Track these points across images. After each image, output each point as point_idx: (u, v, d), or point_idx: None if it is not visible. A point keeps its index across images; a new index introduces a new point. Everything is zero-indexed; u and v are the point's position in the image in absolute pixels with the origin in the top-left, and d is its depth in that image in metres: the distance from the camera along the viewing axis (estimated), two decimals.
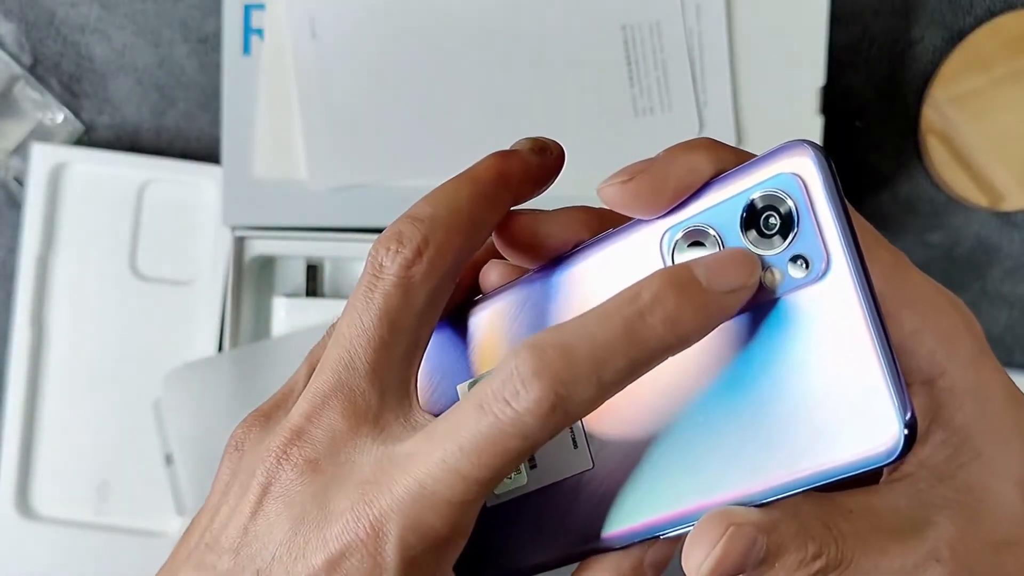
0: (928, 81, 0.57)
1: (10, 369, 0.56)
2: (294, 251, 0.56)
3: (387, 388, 0.24)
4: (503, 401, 0.21)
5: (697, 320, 0.22)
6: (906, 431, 0.21)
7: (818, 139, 0.53)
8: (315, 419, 0.24)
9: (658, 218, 0.24)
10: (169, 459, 0.56)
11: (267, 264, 0.57)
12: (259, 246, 0.55)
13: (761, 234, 0.23)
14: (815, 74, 0.53)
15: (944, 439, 0.25)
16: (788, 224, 0.23)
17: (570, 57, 0.54)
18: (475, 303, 0.27)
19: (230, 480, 0.25)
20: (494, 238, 0.26)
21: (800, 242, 0.22)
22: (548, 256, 0.26)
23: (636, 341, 0.21)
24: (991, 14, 0.57)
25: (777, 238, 0.23)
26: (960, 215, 0.59)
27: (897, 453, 0.21)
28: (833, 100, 0.56)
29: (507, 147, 0.27)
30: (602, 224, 0.26)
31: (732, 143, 0.53)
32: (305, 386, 0.25)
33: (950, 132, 0.57)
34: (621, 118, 0.54)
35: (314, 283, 0.57)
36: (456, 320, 0.27)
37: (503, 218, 0.26)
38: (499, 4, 0.53)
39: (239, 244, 0.55)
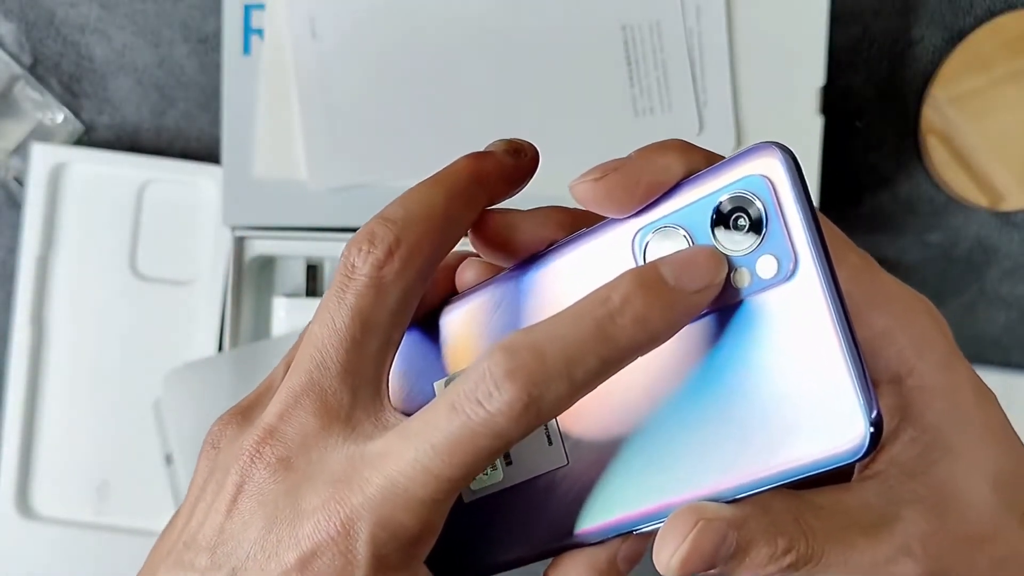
0: (928, 81, 0.57)
1: (10, 369, 0.57)
2: (294, 251, 0.56)
3: (359, 387, 0.24)
4: (476, 402, 0.21)
5: (666, 319, 0.22)
6: (872, 429, 0.21)
7: (818, 139, 0.53)
8: (287, 418, 0.24)
9: (630, 218, 0.25)
10: (169, 459, 0.56)
11: (267, 264, 0.57)
12: (259, 246, 0.55)
13: (731, 235, 0.23)
14: (815, 74, 0.53)
15: (914, 436, 0.25)
16: (757, 225, 0.23)
17: (570, 57, 0.54)
18: (450, 301, 0.27)
19: (207, 478, 0.26)
20: (469, 236, 0.26)
21: (768, 243, 0.23)
22: (522, 254, 0.26)
23: (607, 341, 0.22)
24: (991, 14, 0.57)
25: (746, 239, 0.23)
26: (960, 215, 0.59)
27: (863, 451, 0.21)
28: (833, 100, 0.56)
29: None
30: (576, 224, 0.26)
31: (732, 143, 0.54)
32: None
33: (950, 132, 0.57)
34: (621, 118, 0.54)
35: (314, 283, 0.57)
36: (432, 318, 0.27)
37: (478, 216, 0.26)
38: (499, 4, 0.53)
39: (239, 244, 0.55)
